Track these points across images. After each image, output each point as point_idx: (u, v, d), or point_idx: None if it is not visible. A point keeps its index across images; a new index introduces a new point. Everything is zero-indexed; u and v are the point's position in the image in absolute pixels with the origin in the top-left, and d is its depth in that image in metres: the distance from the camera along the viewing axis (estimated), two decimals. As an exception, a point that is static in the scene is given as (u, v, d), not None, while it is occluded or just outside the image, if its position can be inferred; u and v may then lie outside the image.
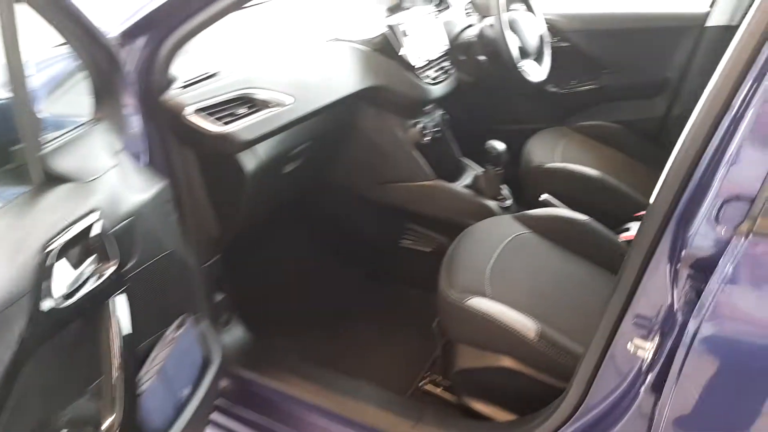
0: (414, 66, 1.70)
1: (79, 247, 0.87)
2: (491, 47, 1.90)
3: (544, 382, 1.23)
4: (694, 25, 2.08)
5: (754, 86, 0.73)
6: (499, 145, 1.76)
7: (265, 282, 1.85)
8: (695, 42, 2.09)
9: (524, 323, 1.22)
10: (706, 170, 0.78)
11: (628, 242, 1.60)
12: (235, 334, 1.52)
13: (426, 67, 1.76)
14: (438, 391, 1.58)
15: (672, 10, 2.15)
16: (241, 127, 1.27)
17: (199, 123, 1.23)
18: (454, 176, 1.91)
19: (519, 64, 1.88)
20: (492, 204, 1.81)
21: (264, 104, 1.33)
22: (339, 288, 1.97)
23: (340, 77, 1.55)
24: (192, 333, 1.21)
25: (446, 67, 1.86)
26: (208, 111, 1.25)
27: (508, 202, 1.85)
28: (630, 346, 0.90)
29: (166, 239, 1.11)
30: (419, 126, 1.79)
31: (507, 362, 1.27)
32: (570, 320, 1.29)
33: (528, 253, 1.49)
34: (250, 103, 1.32)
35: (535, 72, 1.97)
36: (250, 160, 1.39)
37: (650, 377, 0.88)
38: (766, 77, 0.71)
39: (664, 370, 0.84)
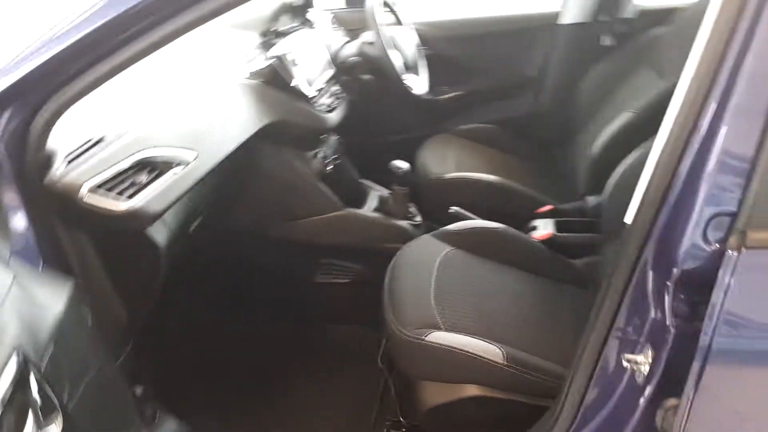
0: (307, 96, 1.61)
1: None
2: (375, 65, 1.86)
3: (516, 401, 1.24)
4: (548, 24, 2.22)
5: (721, 104, 0.76)
6: (403, 165, 1.74)
7: (184, 358, 1.64)
8: (551, 40, 2.24)
9: (490, 349, 1.21)
10: (684, 189, 0.80)
11: (544, 242, 1.67)
12: (167, 429, 1.32)
13: (319, 95, 1.67)
14: None
15: (527, 11, 2.28)
16: (148, 198, 1.09)
17: (100, 203, 1.03)
18: (360, 201, 1.85)
19: (403, 79, 1.87)
20: (404, 224, 1.79)
21: (166, 166, 1.16)
22: (263, 341, 1.82)
23: (237, 119, 1.40)
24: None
25: (336, 92, 1.79)
26: (107, 186, 1.05)
27: (418, 219, 1.84)
28: (624, 362, 0.91)
29: (90, 354, 0.92)
30: (320, 156, 1.70)
31: (477, 390, 1.25)
32: (527, 334, 1.31)
33: (460, 272, 1.48)
34: (150, 167, 1.14)
35: (418, 84, 1.98)
36: (159, 232, 1.21)
37: (649, 389, 0.90)
38: (732, 93, 0.74)
39: (663, 380, 0.87)
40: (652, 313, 0.88)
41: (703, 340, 0.77)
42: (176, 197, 1.15)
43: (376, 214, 1.78)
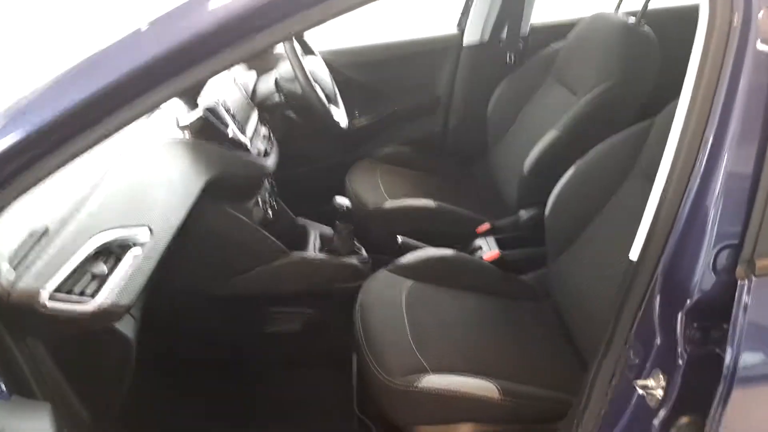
0: (245, 143, 1.51)
1: None
2: (301, 102, 1.79)
3: (512, 430, 1.25)
4: (452, 45, 2.29)
5: (717, 135, 0.81)
6: (345, 201, 1.70)
7: None
8: (455, 61, 2.31)
9: (485, 386, 1.22)
10: (689, 224, 0.85)
11: (493, 262, 1.71)
12: None
13: (252, 140, 1.58)
14: None
15: (430, 34, 2.33)
16: (115, 291, 0.96)
17: (64, 308, 0.89)
18: (302, 242, 1.78)
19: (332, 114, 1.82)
20: (353, 261, 1.74)
21: (122, 249, 1.03)
22: (226, 405, 1.68)
23: (180, 181, 1.28)
24: None
25: (266, 134, 1.70)
26: (66, 288, 0.91)
27: (364, 253, 1.81)
28: (638, 388, 0.96)
29: None
30: (259, 203, 1.61)
31: (473, 427, 1.25)
32: (510, 362, 1.34)
33: (429, 307, 1.48)
34: (105, 256, 1.00)
35: (340, 116, 1.94)
36: (127, 324, 1.06)
37: (663, 411, 0.95)
38: (728, 131, 0.80)
39: (677, 401, 0.92)
40: (659, 340, 0.93)
41: (727, 364, 0.83)
42: (143, 282, 1.02)
43: (322, 255, 1.72)
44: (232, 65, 0.82)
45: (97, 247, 0.98)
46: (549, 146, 1.74)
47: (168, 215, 1.16)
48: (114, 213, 1.05)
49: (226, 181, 1.44)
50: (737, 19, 0.80)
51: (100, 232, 0.99)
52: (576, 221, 1.52)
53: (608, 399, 1.01)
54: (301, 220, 1.89)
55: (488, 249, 1.77)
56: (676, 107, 1.40)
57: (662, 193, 0.88)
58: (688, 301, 0.86)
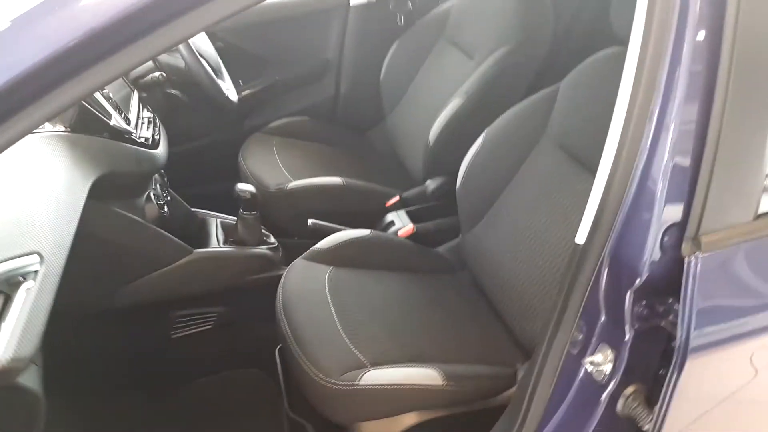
0: (130, 132, 1.30)
1: None
2: (184, 78, 1.59)
3: (457, 413, 1.25)
4: (339, 5, 2.16)
5: (662, 117, 0.82)
6: (248, 187, 1.56)
7: None
8: (343, 22, 2.19)
9: (427, 374, 1.19)
10: (635, 206, 0.86)
11: (409, 237, 1.68)
12: None
13: (137, 128, 1.37)
14: None
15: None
16: (14, 340, 0.78)
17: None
18: (202, 236, 1.61)
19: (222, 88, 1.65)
20: (261, 250, 1.62)
21: (12, 285, 0.84)
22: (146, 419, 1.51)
23: (64, 190, 1.07)
24: None
25: (149, 118, 1.48)
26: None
27: (272, 240, 1.69)
28: (587, 364, 0.98)
29: None
30: (152, 198, 1.42)
31: (418, 417, 1.23)
32: (445, 343, 1.33)
33: (353, 294, 1.42)
34: (-9, 295, 0.82)
35: (230, 90, 1.76)
36: (30, 374, 0.88)
37: (612, 383, 0.98)
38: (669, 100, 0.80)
39: (624, 373, 0.96)
40: (604, 317, 0.95)
41: (680, 336, 0.86)
42: (44, 321, 0.85)
43: (229, 248, 1.58)
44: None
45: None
46: (453, 115, 1.71)
47: (57, 233, 0.97)
48: None
49: (112, 179, 1.25)
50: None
51: None
52: (488, 190, 1.52)
53: (559, 373, 1.03)
54: (198, 211, 1.71)
55: (401, 224, 1.73)
56: (581, 73, 1.44)
57: (608, 178, 0.88)
58: (638, 281, 0.88)
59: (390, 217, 1.77)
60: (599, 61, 1.39)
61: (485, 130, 1.54)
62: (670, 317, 0.91)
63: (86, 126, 1.20)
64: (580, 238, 0.93)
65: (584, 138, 1.36)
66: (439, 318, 1.42)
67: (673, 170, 0.83)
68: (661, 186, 0.83)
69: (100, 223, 1.29)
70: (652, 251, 0.86)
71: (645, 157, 0.84)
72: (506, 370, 1.28)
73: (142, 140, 1.36)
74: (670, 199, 0.84)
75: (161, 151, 1.42)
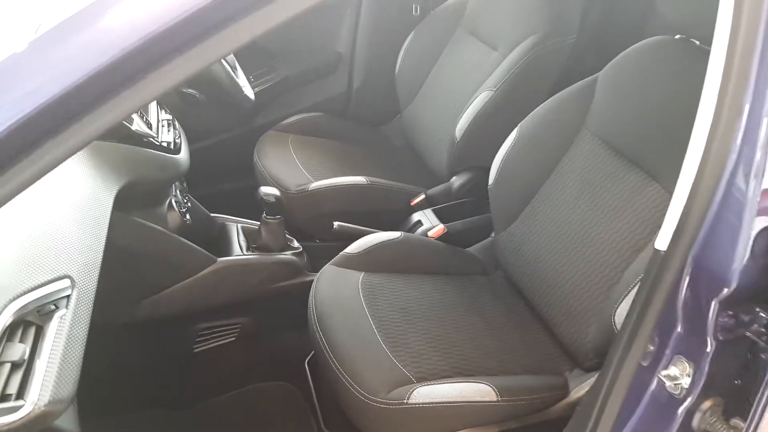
0: (153, 137, 1.22)
1: None
2: (200, 76, 1.50)
3: (510, 429, 1.19)
4: (351, -3, 2.07)
5: (754, 112, 0.75)
6: (272, 191, 1.48)
7: None
8: (356, 13, 2.10)
9: (481, 390, 1.13)
10: (722, 210, 0.80)
11: (439, 238, 1.61)
12: None
13: (158, 132, 1.29)
14: None
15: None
16: (51, 382, 0.70)
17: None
18: (224, 243, 1.53)
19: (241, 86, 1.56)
20: (287, 256, 1.54)
21: (43, 316, 0.76)
22: None
23: (89, 206, 0.99)
24: None
25: (169, 120, 1.39)
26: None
27: (296, 244, 1.61)
28: (662, 378, 0.92)
29: None
30: (173, 205, 1.34)
31: (472, 432, 1.17)
32: (494, 354, 1.26)
33: (389, 301, 1.35)
34: (22, 326, 0.73)
35: (247, 88, 1.68)
36: (67, 416, 0.80)
37: (689, 400, 0.92)
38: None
39: (702, 390, 0.89)
40: (680, 328, 0.89)
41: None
42: (80, 356, 0.77)
43: (252, 255, 1.50)
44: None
45: (6, 326, 0.71)
46: (482, 109, 1.63)
47: (85, 252, 0.89)
48: (18, 266, 0.78)
49: (137, 188, 1.16)
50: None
51: (11, 300, 0.72)
52: (525, 188, 1.45)
53: (632, 386, 0.97)
54: (217, 216, 1.63)
55: (429, 223, 1.66)
56: (623, 64, 1.37)
57: (695, 178, 0.81)
58: (725, 290, 0.82)
59: (417, 216, 1.69)
60: (643, 51, 1.32)
61: (519, 125, 1.47)
62: (755, 326, 0.85)
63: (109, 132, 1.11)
64: (661, 243, 0.87)
65: (630, 131, 1.29)
66: (480, 324, 1.35)
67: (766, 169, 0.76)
68: (753, 187, 0.77)
69: (123, 235, 1.20)
70: (742, 258, 0.79)
71: (735, 156, 0.78)
72: (556, 380, 1.22)
73: (164, 144, 1.27)
74: (763, 201, 0.77)
75: (183, 155, 1.33)
